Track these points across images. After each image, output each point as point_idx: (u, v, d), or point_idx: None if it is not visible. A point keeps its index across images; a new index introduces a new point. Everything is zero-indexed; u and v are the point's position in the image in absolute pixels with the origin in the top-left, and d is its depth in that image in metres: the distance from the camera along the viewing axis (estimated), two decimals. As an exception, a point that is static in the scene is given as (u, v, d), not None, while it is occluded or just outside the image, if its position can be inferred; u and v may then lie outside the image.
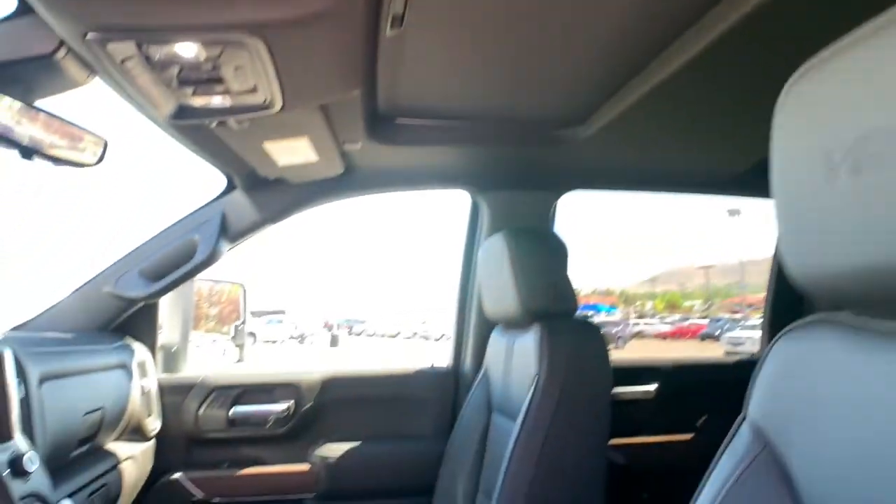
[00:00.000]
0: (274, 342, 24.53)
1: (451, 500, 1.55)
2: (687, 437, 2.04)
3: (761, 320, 2.32)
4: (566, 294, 1.37)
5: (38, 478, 0.92)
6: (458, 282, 2.00)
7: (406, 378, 1.91)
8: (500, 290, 1.45)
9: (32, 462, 0.90)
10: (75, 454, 1.26)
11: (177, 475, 1.67)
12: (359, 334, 33.20)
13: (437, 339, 29.59)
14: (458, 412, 1.87)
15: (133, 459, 1.51)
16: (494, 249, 1.46)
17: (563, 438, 1.20)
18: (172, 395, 1.74)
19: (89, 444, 1.33)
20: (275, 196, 1.69)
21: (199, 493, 1.66)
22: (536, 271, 1.37)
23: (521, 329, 1.43)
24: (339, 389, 1.84)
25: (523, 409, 1.23)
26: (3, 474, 0.84)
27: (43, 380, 1.10)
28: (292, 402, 1.78)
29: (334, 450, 1.76)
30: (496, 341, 1.61)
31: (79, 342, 1.42)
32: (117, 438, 1.51)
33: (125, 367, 1.52)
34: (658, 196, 2.35)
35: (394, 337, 31.61)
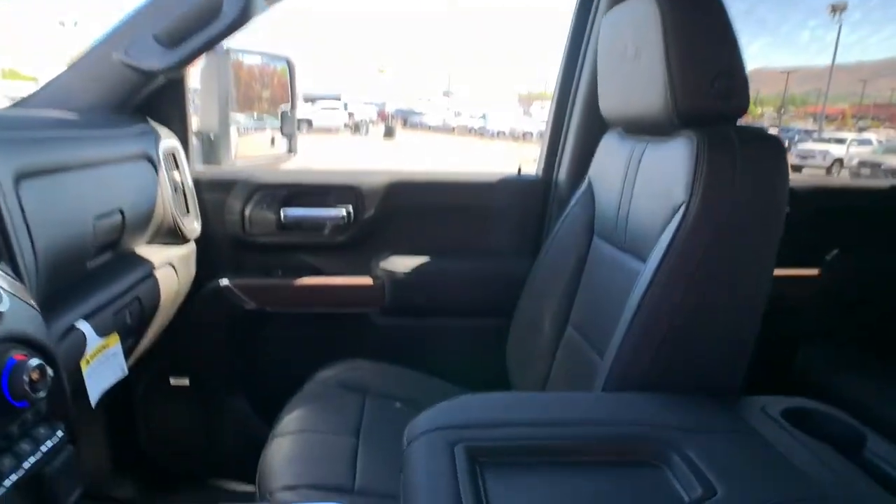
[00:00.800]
0: (328, 130, 24.50)
1: (534, 329, 1.31)
2: (812, 272, 1.71)
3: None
4: (738, 88, 0.93)
5: (14, 317, 0.67)
6: (559, 69, 1.56)
7: (487, 186, 1.58)
8: (634, 78, 1.03)
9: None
10: (93, 265, 1.03)
11: (224, 282, 1.48)
12: (414, 127, 32.76)
13: (493, 136, 28.99)
14: (547, 230, 1.56)
15: (171, 265, 1.30)
16: (637, 19, 1.00)
17: (714, 285, 0.87)
18: (212, 193, 1.48)
19: (111, 251, 1.09)
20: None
21: (250, 303, 1.48)
22: (701, 52, 0.93)
23: (657, 136, 1.04)
24: (406, 196, 1.54)
25: (661, 245, 0.89)
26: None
27: (21, 177, 0.81)
28: (350, 207, 1.50)
29: (400, 264, 1.52)
30: (611, 149, 1.23)
31: (85, 125, 1.12)
32: (151, 242, 1.29)
33: (149, 158, 1.23)
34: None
35: (450, 132, 31.08)
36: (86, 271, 1.00)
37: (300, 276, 1.52)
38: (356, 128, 26.31)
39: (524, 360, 1.35)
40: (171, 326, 1.40)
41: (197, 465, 1.58)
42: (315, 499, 0.94)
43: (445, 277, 1.54)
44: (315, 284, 1.50)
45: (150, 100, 1.35)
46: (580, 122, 1.50)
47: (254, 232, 1.49)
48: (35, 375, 0.66)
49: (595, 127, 1.42)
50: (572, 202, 1.32)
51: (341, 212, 1.49)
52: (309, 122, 24.11)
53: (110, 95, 1.28)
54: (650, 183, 1.03)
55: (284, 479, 0.99)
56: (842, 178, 15.59)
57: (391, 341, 1.54)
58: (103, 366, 0.97)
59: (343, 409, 1.22)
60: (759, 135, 0.92)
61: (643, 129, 1.10)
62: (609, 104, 1.17)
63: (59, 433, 0.73)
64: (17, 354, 0.66)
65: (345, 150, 17.40)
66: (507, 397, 0.79)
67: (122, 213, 1.08)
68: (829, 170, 17.69)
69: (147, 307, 1.17)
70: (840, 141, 19.51)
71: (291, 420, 1.16)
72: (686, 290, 0.86)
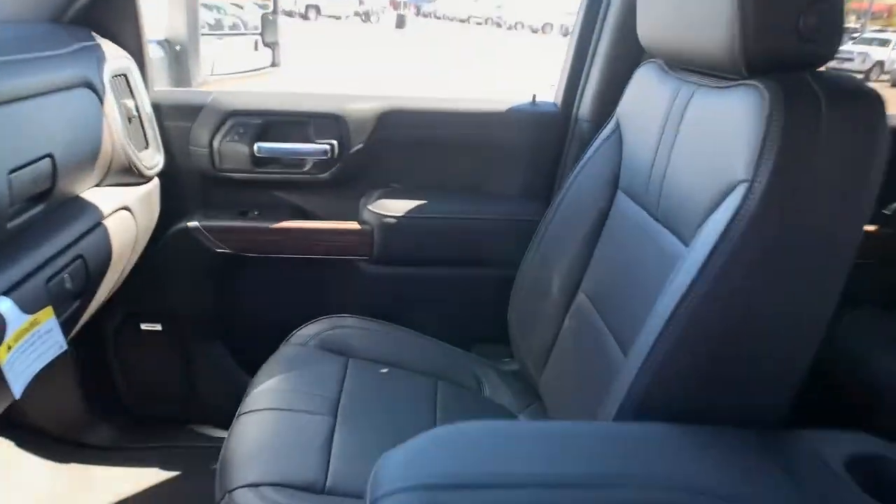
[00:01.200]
0: (337, 18, 23.25)
1: (540, 290, 1.16)
2: (869, 228, 1.50)
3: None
4: (830, 28, 0.71)
5: None
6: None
7: (494, 117, 1.36)
8: (689, 1, 0.80)
9: None
10: (16, 225, 0.86)
11: (192, 223, 1.31)
12: (427, 16, 31.00)
13: (510, 28, 27.45)
14: (562, 175, 1.36)
15: (127, 210, 1.13)
16: None
17: (776, 291, 0.69)
18: (175, 120, 1.28)
19: (41, 203, 0.92)
20: None
21: (222, 246, 1.32)
22: None
23: (712, 79, 0.82)
24: (399, 127, 1.33)
25: (711, 232, 0.70)
26: None
27: None
28: (335, 141, 1.30)
29: (391, 207, 1.34)
30: (649, 84, 1.00)
31: (4, 47, 0.91)
32: (102, 183, 1.11)
33: (89, 85, 1.03)
34: None
35: (464, 21, 29.40)
36: (5, 234, 0.83)
37: (278, 216, 1.35)
38: (366, 16, 24.91)
39: (527, 324, 1.21)
40: (137, 270, 1.26)
41: (176, 410, 1.50)
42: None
43: (443, 223, 1.36)
44: (294, 228, 1.33)
45: (94, 8, 1.13)
46: (611, 43, 1.25)
47: (225, 167, 1.30)
48: None
49: (629, 51, 1.19)
50: (595, 144, 1.11)
51: (324, 147, 1.29)
52: (317, 9, 22.90)
53: (39, 2, 1.06)
54: (698, 143, 0.82)
55: (246, 474, 0.87)
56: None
57: (381, 292, 1.39)
58: (33, 348, 0.83)
59: (321, 377, 1.09)
60: (851, 87, 0.70)
61: (693, 65, 0.87)
62: (650, 29, 0.94)
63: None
64: None
65: (346, 43, 16.56)
66: (498, 432, 0.64)
67: (51, 158, 0.90)
68: (867, 74, 16.62)
69: (94, 265, 1.01)
70: (883, 42, 18.14)
71: (262, 394, 1.04)
72: (739, 296, 0.68)
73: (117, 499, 1.29)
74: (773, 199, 0.66)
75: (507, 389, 1.21)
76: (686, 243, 0.78)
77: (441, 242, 1.36)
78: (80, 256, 0.97)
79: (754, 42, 0.69)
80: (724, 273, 0.67)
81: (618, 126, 1.08)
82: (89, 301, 1.05)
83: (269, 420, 0.98)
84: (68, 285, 0.93)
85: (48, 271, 0.88)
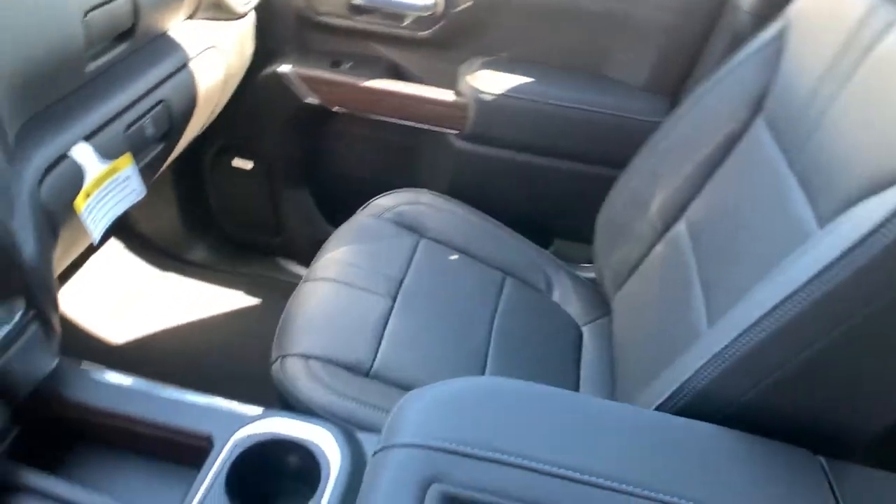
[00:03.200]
0: None
1: (639, 201, 1.04)
2: None
3: None
4: None
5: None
6: None
7: None
8: None
9: None
10: (95, 68, 0.84)
11: (284, 68, 1.25)
12: None
13: None
14: (699, 73, 1.15)
15: (214, 49, 1.08)
16: None
17: None
18: None
19: (125, 42, 0.89)
20: None
21: (312, 96, 1.27)
22: None
23: None
24: None
25: (856, 225, 0.55)
26: None
27: None
28: None
29: (493, 82, 1.20)
30: None
31: None
32: (193, 16, 1.06)
33: None
34: None
35: None
36: (84, 79, 0.82)
37: (372, 71, 1.25)
38: None
39: (616, 234, 1.11)
40: (232, 106, 1.24)
41: (265, 240, 1.58)
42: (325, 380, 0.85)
43: (547, 108, 1.21)
44: (386, 90, 1.24)
45: None
46: None
47: (321, 10, 1.20)
48: None
49: None
50: (748, 49, 0.90)
51: (429, 2, 1.14)
52: None
53: None
54: (878, 95, 0.63)
55: (300, 344, 0.91)
56: None
57: (467, 170, 1.31)
58: (111, 195, 0.85)
59: (390, 255, 1.08)
60: None
61: None
62: None
63: (18, 314, 0.64)
64: None
65: None
66: (530, 401, 0.60)
67: None
68: None
69: (178, 109, 1.00)
70: None
71: (328, 262, 1.04)
72: (866, 307, 0.54)
73: (203, 315, 1.43)
74: None
75: (576, 297, 1.15)
76: (820, 221, 0.63)
77: (541, 129, 1.23)
78: (162, 101, 0.95)
79: None
80: (859, 276, 0.54)
81: (782, 33, 0.86)
82: (175, 144, 1.06)
83: (329, 292, 0.99)
84: (150, 131, 0.93)
85: (128, 118, 0.88)
